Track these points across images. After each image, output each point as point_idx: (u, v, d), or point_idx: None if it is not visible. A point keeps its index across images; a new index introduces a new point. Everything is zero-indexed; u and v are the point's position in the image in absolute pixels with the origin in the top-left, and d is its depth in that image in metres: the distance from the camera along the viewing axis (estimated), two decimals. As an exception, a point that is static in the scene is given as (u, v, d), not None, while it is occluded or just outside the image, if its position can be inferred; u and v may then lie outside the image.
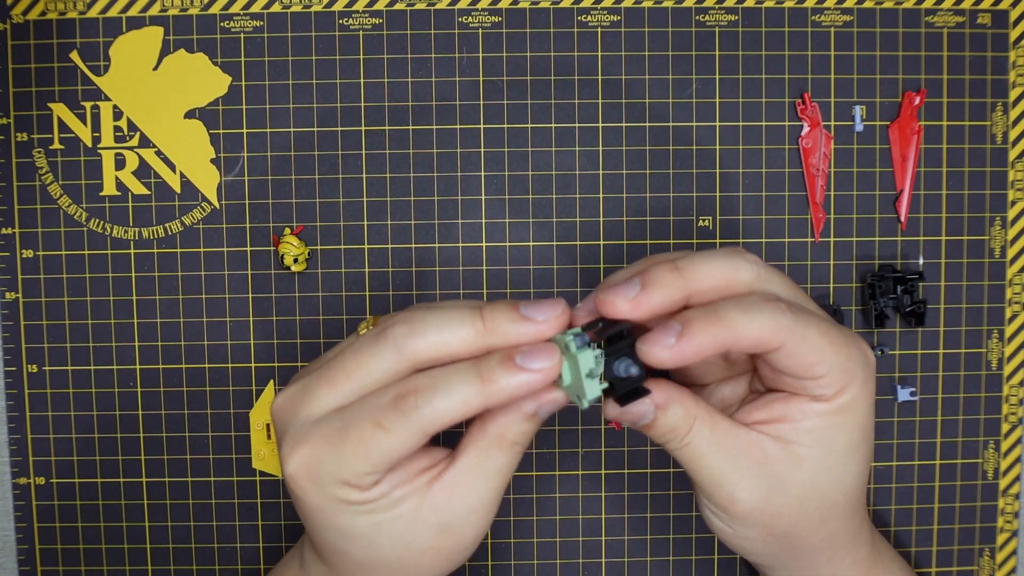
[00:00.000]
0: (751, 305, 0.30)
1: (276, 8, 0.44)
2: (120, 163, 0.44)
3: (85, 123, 0.44)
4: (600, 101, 0.44)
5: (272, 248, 0.45)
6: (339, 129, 0.44)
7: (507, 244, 0.45)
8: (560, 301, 0.31)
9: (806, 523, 0.34)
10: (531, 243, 0.45)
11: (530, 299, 0.32)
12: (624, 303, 0.30)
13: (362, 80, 0.44)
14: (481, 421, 0.32)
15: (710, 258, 0.32)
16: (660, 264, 0.31)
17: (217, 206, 0.45)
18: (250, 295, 0.45)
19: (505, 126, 0.44)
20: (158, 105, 0.44)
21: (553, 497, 0.46)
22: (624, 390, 0.30)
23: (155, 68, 0.44)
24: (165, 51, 0.44)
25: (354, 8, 0.44)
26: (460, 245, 0.45)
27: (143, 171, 0.44)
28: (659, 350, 0.29)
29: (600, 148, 0.45)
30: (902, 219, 0.45)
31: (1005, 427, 0.46)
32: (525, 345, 0.30)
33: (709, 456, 0.32)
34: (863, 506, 0.37)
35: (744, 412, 0.34)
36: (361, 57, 0.44)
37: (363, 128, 0.44)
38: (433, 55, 0.44)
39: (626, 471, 0.46)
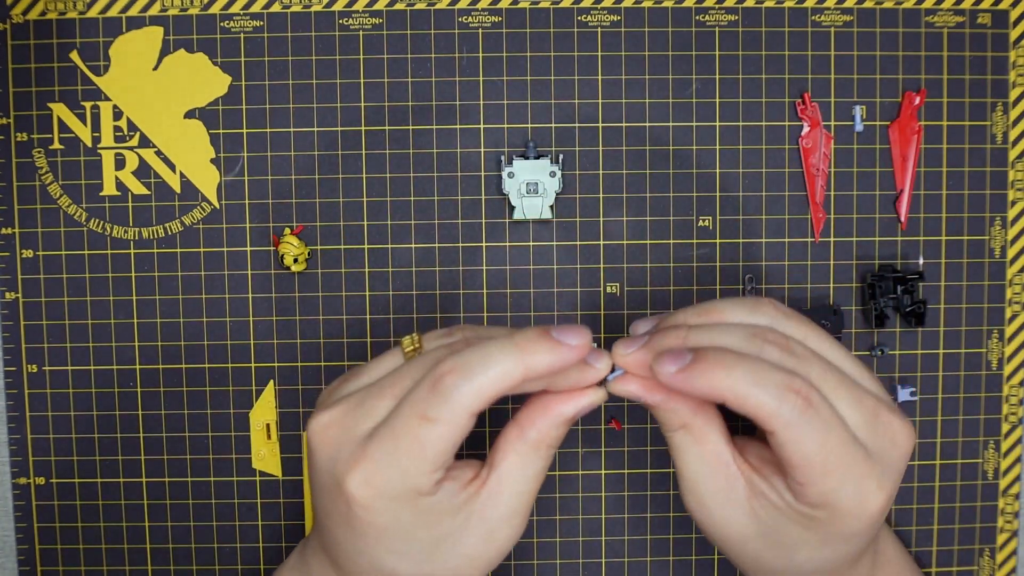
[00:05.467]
0: (764, 377, 0.30)
1: (276, 8, 0.44)
2: (120, 163, 0.44)
3: (85, 123, 0.44)
4: (600, 101, 0.44)
5: (272, 248, 0.45)
6: (339, 129, 0.44)
7: (507, 244, 0.45)
8: (586, 330, 0.31)
9: (749, 561, 0.35)
10: (531, 243, 0.45)
11: (555, 324, 0.33)
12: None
13: (362, 80, 0.44)
14: (519, 428, 0.32)
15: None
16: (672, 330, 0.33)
17: (217, 206, 0.45)
18: (250, 295, 0.45)
19: (505, 126, 0.44)
20: (158, 105, 0.44)
21: (553, 497, 0.46)
22: None
23: (155, 68, 0.44)
24: (165, 51, 0.44)
25: (354, 8, 0.44)
26: (460, 245, 0.45)
27: (143, 171, 0.44)
28: (664, 369, 0.30)
29: (600, 148, 0.45)
30: (902, 219, 0.45)
31: (1005, 427, 0.46)
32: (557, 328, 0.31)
33: (683, 458, 0.33)
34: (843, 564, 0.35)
35: (756, 444, 0.34)
36: (361, 57, 0.44)
37: (363, 128, 0.44)
38: (433, 55, 0.44)
39: (626, 471, 0.46)
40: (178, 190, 0.45)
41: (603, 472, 0.46)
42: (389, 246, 0.45)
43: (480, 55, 0.44)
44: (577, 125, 0.44)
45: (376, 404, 0.32)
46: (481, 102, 0.44)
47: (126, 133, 0.44)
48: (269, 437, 0.45)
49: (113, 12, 0.44)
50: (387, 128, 0.44)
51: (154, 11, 0.44)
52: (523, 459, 0.32)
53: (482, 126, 0.44)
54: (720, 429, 0.33)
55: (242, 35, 0.44)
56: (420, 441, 0.30)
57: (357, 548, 0.33)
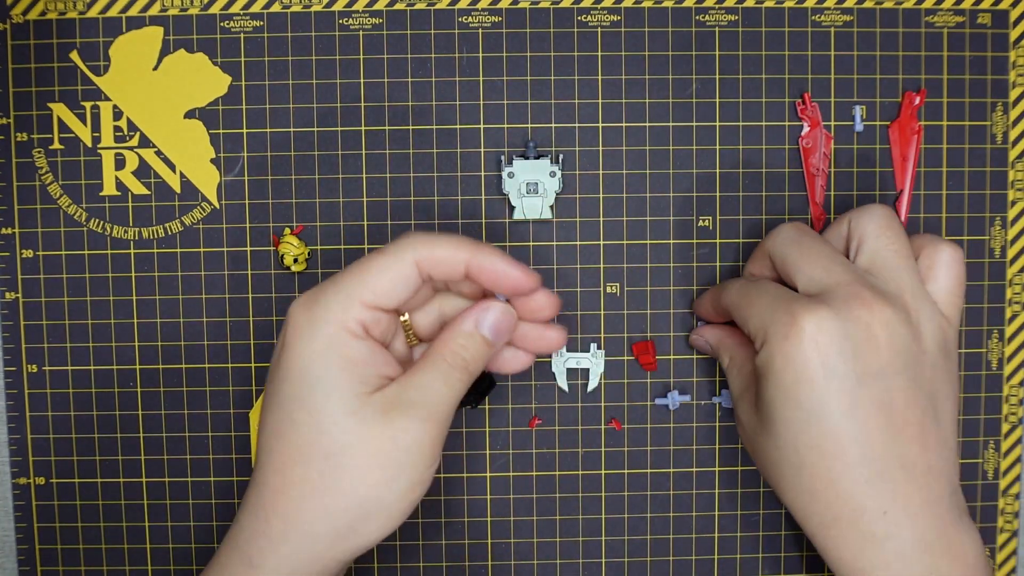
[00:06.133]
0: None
1: (276, 8, 0.44)
2: (120, 163, 0.44)
3: (85, 123, 0.44)
4: (600, 101, 0.44)
5: (272, 248, 0.45)
6: (339, 129, 0.44)
7: (507, 244, 0.45)
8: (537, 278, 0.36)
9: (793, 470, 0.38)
10: (531, 243, 0.45)
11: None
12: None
13: (362, 80, 0.44)
14: (431, 344, 0.36)
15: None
16: None
17: (217, 206, 0.45)
18: (250, 295, 0.45)
19: (505, 126, 0.44)
20: (158, 105, 0.44)
21: (553, 497, 0.46)
22: None
23: (155, 68, 0.44)
24: (165, 51, 0.44)
25: (354, 8, 0.44)
26: (460, 245, 0.45)
27: (143, 171, 0.44)
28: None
29: (600, 148, 0.45)
30: (902, 219, 0.45)
31: (1005, 427, 0.46)
32: None
33: (729, 376, 0.41)
34: (867, 483, 0.35)
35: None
36: (361, 57, 0.44)
37: (363, 128, 0.44)
38: (433, 55, 0.44)
39: (626, 471, 0.46)
40: (178, 190, 0.45)
41: (603, 472, 0.46)
42: (389, 246, 0.45)
43: (480, 55, 0.44)
44: (577, 125, 0.44)
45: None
46: (481, 102, 0.44)
47: (126, 133, 0.44)
48: (269, 437, 0.45)
49: (113, 12, 0.44)
50: (387, 128, 0.44)
51: (154, 11, 0.44)
52: (428, 366, 0.35)
53: (482, 126, 0.44)
54: (749, 355, 0.40)
55: (242, 35, 0.44)
56: (366, 265, 0.34)
57: (274, 402, 0.34)
